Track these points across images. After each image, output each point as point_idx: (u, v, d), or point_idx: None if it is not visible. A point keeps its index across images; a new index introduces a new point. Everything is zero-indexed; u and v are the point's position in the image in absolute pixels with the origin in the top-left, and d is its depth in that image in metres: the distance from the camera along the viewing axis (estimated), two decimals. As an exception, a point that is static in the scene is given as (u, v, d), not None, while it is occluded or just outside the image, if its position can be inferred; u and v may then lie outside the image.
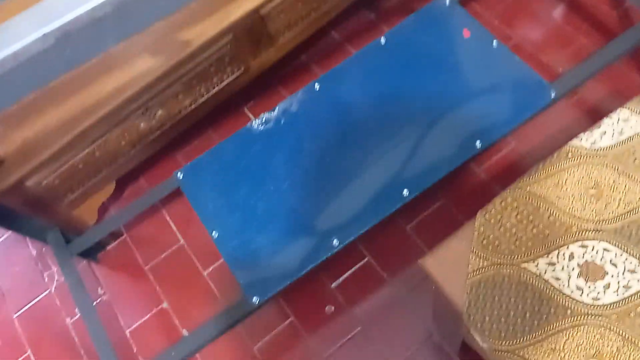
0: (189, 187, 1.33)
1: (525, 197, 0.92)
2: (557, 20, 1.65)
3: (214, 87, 1.42)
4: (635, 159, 0.91)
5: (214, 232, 1.28)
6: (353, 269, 1.45)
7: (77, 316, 1.52)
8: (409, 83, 1.35)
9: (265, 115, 1.37)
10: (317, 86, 1.38)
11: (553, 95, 1.24)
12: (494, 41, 1.34)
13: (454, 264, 0.90)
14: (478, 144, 1.22)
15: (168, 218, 1.62)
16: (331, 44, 1.75)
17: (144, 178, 1.65)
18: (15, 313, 1.58)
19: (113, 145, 1.34)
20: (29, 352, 1.51)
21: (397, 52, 1.39)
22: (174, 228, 1.60)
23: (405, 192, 1.21)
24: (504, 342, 0.83)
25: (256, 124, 1.37)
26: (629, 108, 0.97)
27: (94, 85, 1.25)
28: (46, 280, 1.61)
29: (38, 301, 1.58)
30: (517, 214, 0.91)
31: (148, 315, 1.49)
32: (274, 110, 1.37)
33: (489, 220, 0.92)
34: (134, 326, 1.48)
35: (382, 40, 1.41)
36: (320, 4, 1.45)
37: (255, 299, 1.19)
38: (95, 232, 1.42)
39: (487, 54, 1.34)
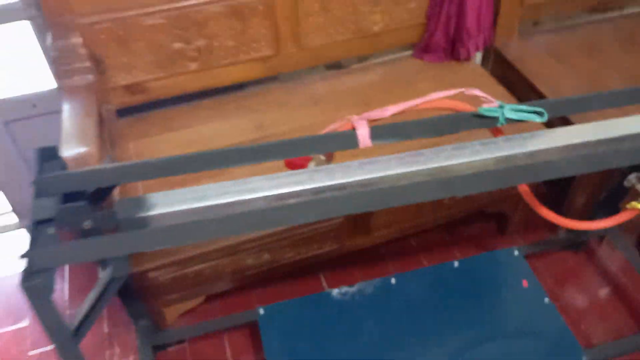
0: (266, 324, 1.59)
1: None
2: (603, 297, 1.91)
3: (312, 251, 1.73)
4: None
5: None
6: None
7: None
8: (468, 310, 1.61)
9: (344, 289, 1.65)
10: (393, 281, 1.67)
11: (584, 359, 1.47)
12: (546, 298, 1.61)
13: None
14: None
15: (226, 344, 1.84)
16: (407, 248, 2.07)
17: (219, 302, 1.91)
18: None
19: (221, 269, 1.64)
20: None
21: (465, 279, 1.68)
22: (228, 355, 1.81)
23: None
24: None
25: (335, 292, 1.65)
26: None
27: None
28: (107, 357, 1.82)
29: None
30: None
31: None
32: (353, 287, 1.66)
33: None
34: None
35: (456, 264, 1.71)
36: (416, 219, 1.79)
37: None
38: (172, 333, 1.66)
39: (537, 307, 1.60)
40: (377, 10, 1.93)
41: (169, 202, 0.96)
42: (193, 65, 1.83)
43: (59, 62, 1.57)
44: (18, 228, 2.27)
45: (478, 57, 2.20)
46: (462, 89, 1.12)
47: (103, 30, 1.66)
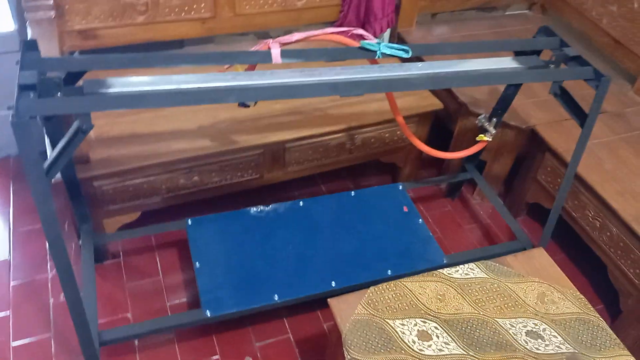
0: (193, 231, 1.90)
1: (402, 287, 1.51)
2: (467, 229, 2.37)
3: (236, 178, 2.07)
4: (470, 289, 1.52)
5: (197, 263, 1.81)
6: (276, 339, 1.92)
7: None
8: (357, 225, 2.00)
9: (261, 207, 2.00)
10: (301, 203, 2.04)
11: (445, 261, 1.89)
12: (420, 219, 2.04)
13: (348, 309, 1.45)
14: (389, 272, 1.83)
15: (157, 258, 2.13)
16: (315, 190, 2.45)
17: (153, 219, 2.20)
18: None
19: (156, 185, 1.94)
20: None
21: (359, 203, 2.07)
22: (159, 267, 2.10)
23: (333, 283, 1.78)
24: (360, 356, 1.34)
25: (253, 210, 1.99)
26: (475, 263, 1.61)
27: (168, 142, 1.90)
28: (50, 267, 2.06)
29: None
30: (394, 294, 1.49)
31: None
32: (267, 206, 2.01)
33: (376, 292, 1.49)
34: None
35: (352, 193, 2.10)
36: (323, 158, 2.17)
37: (207, 312, 1.68)
38: (110, 236, 1.94)
39: (413, 225, 2.02)
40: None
41: (123, 83, 1.28)
42: (141, 18, 2.14)
43: (26, -1, 1.83)
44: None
45: (386, 38, 2.64)
46: (351, 28, 1.52)
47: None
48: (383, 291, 1.49)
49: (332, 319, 1.45)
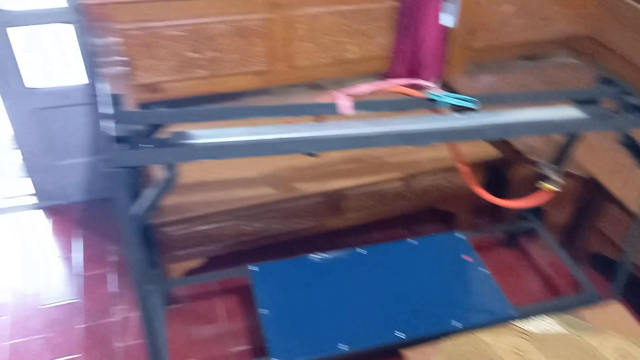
0: (257, 278, 1.92)
1: (479, 341, 1.48)
2: (530, 280, 2.32)
3: (296, 225, 2.10)
4: (550, 345, 1.48)
5: (263, 310, 1.82)
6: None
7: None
8: (417, 271, 1.99)
9: (322, 254, 2.02)
10: (362, 251, 2.05)
11: (514, 314, 1.84)
12: (484, 269, 2.01)
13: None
14: (455, 323, 1.80)
15: (221, 305, 2.15)
16: (370, 239, 2.46)
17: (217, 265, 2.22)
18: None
19: (221, 232, 1.98)
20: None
21: (420, 252, 2.07)
22: (220, 313, 2.12)
23: (400, 334, 1.76)
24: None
25: (314, 257, 2.01)
26: (552, 317, 1.57)
27: (233, 190, 1.96)
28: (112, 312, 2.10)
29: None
30: (471, 348, 1.46)
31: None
32: (329, 253, 2.02)
33: (452, 345, 1.47)
34: None
35: (412, 241, 2.10)
36: (380, 206, 2.19)
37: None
38: (171, 283, 1.98)
39: (475, 274, 2.00)
40: (354, 42, 2.41)
41: (206, 135, 1.34)
42: (203, 73, 2.24)
43: (100, 55, 1.95)
44: (35, 209, 2.56)
45: (434, 88, 2.69)
46: (416, 80, 1.57)
47: (134, 36, 2.06)
48: (459, 345, 1.47)
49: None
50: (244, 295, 2.18)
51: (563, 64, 2.91)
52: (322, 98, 1.54)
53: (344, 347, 1.73)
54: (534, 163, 2.21)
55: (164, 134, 1.38)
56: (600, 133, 2.25)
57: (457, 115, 1.50)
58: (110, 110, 1.34)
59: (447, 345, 1.46)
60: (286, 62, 2.36)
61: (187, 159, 1.29)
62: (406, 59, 2.50)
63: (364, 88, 1.54)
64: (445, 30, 2.45)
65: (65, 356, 1.94)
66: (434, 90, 1.55)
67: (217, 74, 2.27)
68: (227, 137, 1.35)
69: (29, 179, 2.51)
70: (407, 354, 1.44)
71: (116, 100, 1.39)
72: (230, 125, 1.40)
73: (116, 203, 1.21)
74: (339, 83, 2.65)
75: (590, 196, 2.20)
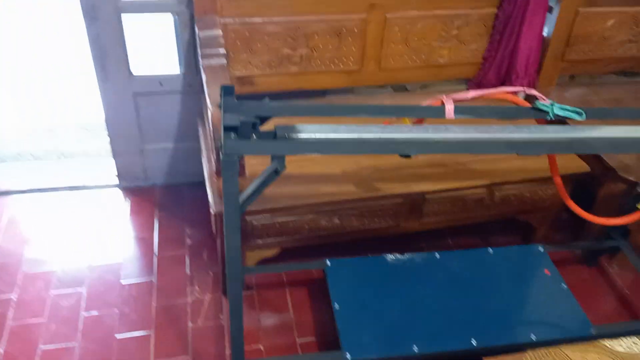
0: (331, 273, 1.95)
1: (563, 356, 1.45)
2: (605, 299, 2.24)
3: (374, 224, 2.11)
4: None
5: (336, 304, 1.85)
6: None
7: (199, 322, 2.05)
8: (494, 281, 1.96)
9: (398, 255, 2.02)
10: (437, 255, 2.04)
11: (593, 332, 1.79)
12: (564, 284, 1.96)
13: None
14: (532, 336, 1.76)
15: (288, 296, 2.19)
16: (444, 246, 2.44)
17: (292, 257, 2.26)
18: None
19: (300, 225, 2.02)
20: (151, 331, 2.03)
21: (497, 262, 2.04)
22: (290, 303, 2.16)
23: (474, 341, 1.74)
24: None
25: (390, 257, 2.01)
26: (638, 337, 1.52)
27: (315, 185, 1.99)
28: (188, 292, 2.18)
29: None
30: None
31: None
32: (404, 255, 2.03)
33: (534, 357, 1.45)
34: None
35: (490, 250, 2.07)
36: (460, 212, 2.17)
37: (348, 355, 1.70)
38: (248, 270, 2.03)
39: (555, 289, 1.95)
40: (446, 46, 2.39)
41: (312, 130, 1.37)
42: (294, 69, 2.29)
43: (204, 46, 2.02)
44: (115, 188, 2.69)
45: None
46: (524, 88, 1.54)
47: (234, 30, 2.13)
48: (543, 358, 1.44)
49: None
50: (313, 289, 2.22)
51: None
52: (429, 101, 1.54)
53: (416, 349, 1.72)
54: (624, 181, 2.13)
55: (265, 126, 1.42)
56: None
57: (565, 126, 1.47)
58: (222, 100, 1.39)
59: (531, 357, 1.44)
60: (376, 63, 2.37)
61: (297, 152, 1.32)
62: (498, 67, 2.45)
63: (474, 93, 1.53)
64: (542, 40, 2.40)
65: (139, 331, 2.03)
66: (543, 101, 1.52)
67: (308, 71, 2.31)
68: (332, 134, 1.37)
69: (114, 160, 2.62)
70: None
71: (227, 91, 1.44)
72: (324, 122, 1.42)
73: (224, 191, 1.25)
74: (426, 87, 2.65)
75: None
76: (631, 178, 2.10)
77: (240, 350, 1.52)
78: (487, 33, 2.39)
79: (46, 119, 3.23)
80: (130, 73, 2.32)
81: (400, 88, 2.61)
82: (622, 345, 1.49)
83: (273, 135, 1.35)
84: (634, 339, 1.51)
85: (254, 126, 1.37)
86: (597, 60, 2.57)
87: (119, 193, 2.67)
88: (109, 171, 2.70)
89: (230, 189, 1.25)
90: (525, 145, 1.36)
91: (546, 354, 1.45)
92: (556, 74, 2.56)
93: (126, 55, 2.28)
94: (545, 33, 2.40)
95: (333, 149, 1.30)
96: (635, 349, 1.48)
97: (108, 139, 2.55)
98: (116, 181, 2.69)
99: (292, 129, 1.37)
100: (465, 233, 2.50)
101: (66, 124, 3.16)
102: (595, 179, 2.26)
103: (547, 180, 2.12)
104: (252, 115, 1.41)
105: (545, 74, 2.53)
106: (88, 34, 2.20)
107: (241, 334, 1.49)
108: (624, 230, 2.20)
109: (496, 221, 2.33)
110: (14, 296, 2.12)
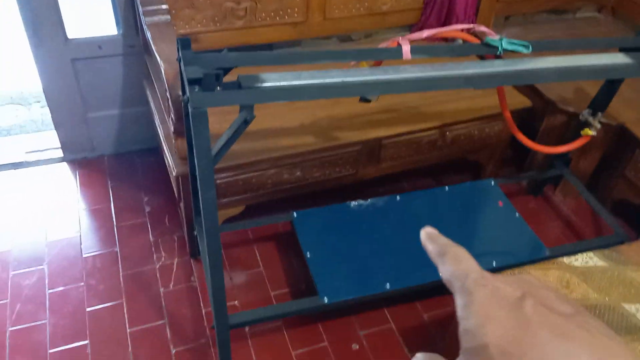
0: (299, 223, 1.98)
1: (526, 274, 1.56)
2: (553, 225, 2.41)
3: (335, 174, 2.15)
4: (593, 277, 1.57)
5: (308, 253, 1.89)
6: (379, 327, 1.98)
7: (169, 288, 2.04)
8: (453, 217, 2.07)
9: (360, 201, 2.08)
10: (398, 198, 2.11)
11: (548, 253, 1.93)
12: (516, 213, 2.09)
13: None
14: (494, 263, 1.88)
15: (256, 251, 2.22)
16: (401, 189, 2.52)
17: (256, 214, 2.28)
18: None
19: (263, 180, 2.03)
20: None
21: (454, 198, 2.14)
22: (259, 258, 2.19)
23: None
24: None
25: (353, 204, 2.07)
26: (592, 252, 1.66)
27: (275, 139, 2.00)
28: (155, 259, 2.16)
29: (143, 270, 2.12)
30: (517, 280, 1.54)
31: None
32: (367, 200, 2.08)
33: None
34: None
35: (446, 188, 2.17)
36: (416, 155, 2.24)
37: (325, 299, 1.75)
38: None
39: (509, 219, 2.07)
40: (387, -8, 2.41)
41: (273, 78, 1.37)
42: (239, 23, 2.24)
43: (145, 4, 1.94)
44: (61, 162, 2.58)
45: (460, 40, 2.71)
46: (474, 25, 1.60)
47: (174, -16, 2.05)
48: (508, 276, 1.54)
49: (432, 310, 1.50)
50: (280, 243, 2.26)
51: (587, 19, 2.94)
52: (385, 43, 1.56)
53: (388, 286, 1.80)
54: (565, 113, 2.26)
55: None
56: (629, 82, 2.31)
57: (515, 59, 1.54)
58: (180, 54, 1.35)
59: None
60: (321, 13, 2.35)
61: (263, 100, 1.33)
62: (438, 11, 2.50)
63: (428, 33, 1.56)
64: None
65: (110, 302, 2.01)
66: (492, 36, 1.57)
67: (253, 25, 2.27)
68: (295, 81, 1.37)
69: (55, 132, 2.50)
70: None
71: (184, 43, 1.40)
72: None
73: (195, 146, 1.24)
74: (370, 36, 2.67)
75: (618, 144, 2.27)
76: (570, 109, 2.24)
77: (223, 307, 1.53)
78: (428, -23, 2.43)
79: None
80: (66, 37, 2.20)
81: (346, 38, 2.62)
82: (578, 260, 1.62)
83: (237, 85, 1.34)
84: (589, 254, 1.64)
85: (217, 78, 1.35)
86: (528, 0, 2.67)
87: (65, 166, 2.56)
88: (51, 144, 2.58)
89: (201, 142, 1.24)
90: (481, 79, 1.42)
91: (511, 273, 1.55)
92: (492, 15, 2.65)
93: (60, 18, 2.15)
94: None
95: (299, 95, 1.31)
96: (591, 263, 1.62)
97: (47, 110, 2.42)
98: (60, 154, 2.58)
99: (256, 78, 1.36)
100: (419, 175, 2.59)
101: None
102: (536, 113, 2.39)
103: (494, 117, 2.23)
104: (212, 68, 1.39)
105: (482, 15, 2.61)
106: (17, -3, 2.06)
107: (223, 291, 1.51)
108: (566, 159, 2.35)
109: (447, 162, 2.43)
110: (-32, 281, 2.03)
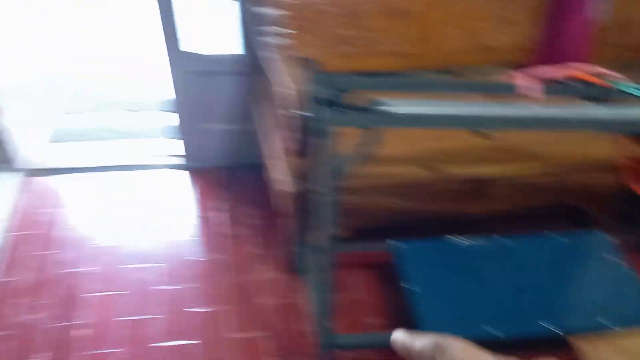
0: (400, 254, 1.96)
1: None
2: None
3: (436, 207, 2.11)
4: None
5: (408, 284, 1.85)
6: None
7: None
8: (562, 266, 1.95)
9: (466, 239, 2.02)
10: (505, 240, 2.04)
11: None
12: (628, 270, 1.94)
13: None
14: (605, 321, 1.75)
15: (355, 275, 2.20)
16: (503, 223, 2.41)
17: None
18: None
19: (368, 206, 2.03)
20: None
21: (564, 246, 2.02)
22: (357, 283, 2.17)
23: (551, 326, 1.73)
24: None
25: (458, 240, 2.01)
26: None
27: (387, 167, 2.00)
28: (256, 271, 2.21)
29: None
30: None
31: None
32: (474, 238, 2.02)
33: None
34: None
35: (559, 236, 2.06)
36: (523, 199, 2.16)
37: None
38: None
39: (622, 275, 1.93)
40: (499, 29, 2.35)
41: (401, 104, 1.37)
42: (356, 51, 2.28)
43: (262, 26, 2.03)
44: (182, 169, 2.74)
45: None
46: (596, 67, 1.54)
47: (298, 10, 2.13)
48: (632, 339, 1.44)
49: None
50: (380, 270, 2.22)
51: None
52: (506, 78, 1.54)
53: (494, 331, 1.72)
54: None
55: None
56: None
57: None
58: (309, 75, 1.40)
59: (619, 338, 1.43)
60: (429, 45, 2.35)
61: (390, 124, 1.33)
62: (549, 52, 2.43)
63: (547, 72, 1.52)
64: (593, 24, 2.36)
65: (218, 306, 2.08)
66: (619, 79, 1.51)
67: (368, 53, 2.31)
68: (421, 109, 1.37)
69: (180, 140, 2.67)
70: (577, 343, 1.42)
71: (310, 63, 1.45)
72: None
73: (319, 160, 1.27)
74: (475, 70, 2.62)
75: None
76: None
77: (330, 326, 1.53)
78: (539, 16, 2.36)
79: (106, 98, 3.29)
80: (197, 54, 2.35)
81: (449, 72, 2.58)
82: None
83: (366, 108, 1.36)
84: None
85: (344, 100, 1.38)
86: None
87: (185, 174, 2.73)
88: (174, 151, 2.75)
89: (324, 159, 1.26)
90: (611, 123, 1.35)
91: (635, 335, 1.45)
92: (611, 60, 2.52)
93: (175, 33, 2.30)
94: (602, 16, 2.37)
95: (427, 123, 1.31)
96: None
97: (175, 118, 2.59)
98: (183, 161, 2.73)
99: (384, 103, 1.38)
100: (516, 216, 2.47)
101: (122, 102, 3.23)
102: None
103: (612, 168, 2.11)
104: (337, 89, 1.42)
105: (600, 60, 2.50)
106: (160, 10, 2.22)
107: (332, 309, 1.51)
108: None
109: (553, 207, 2.32)
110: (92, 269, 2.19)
